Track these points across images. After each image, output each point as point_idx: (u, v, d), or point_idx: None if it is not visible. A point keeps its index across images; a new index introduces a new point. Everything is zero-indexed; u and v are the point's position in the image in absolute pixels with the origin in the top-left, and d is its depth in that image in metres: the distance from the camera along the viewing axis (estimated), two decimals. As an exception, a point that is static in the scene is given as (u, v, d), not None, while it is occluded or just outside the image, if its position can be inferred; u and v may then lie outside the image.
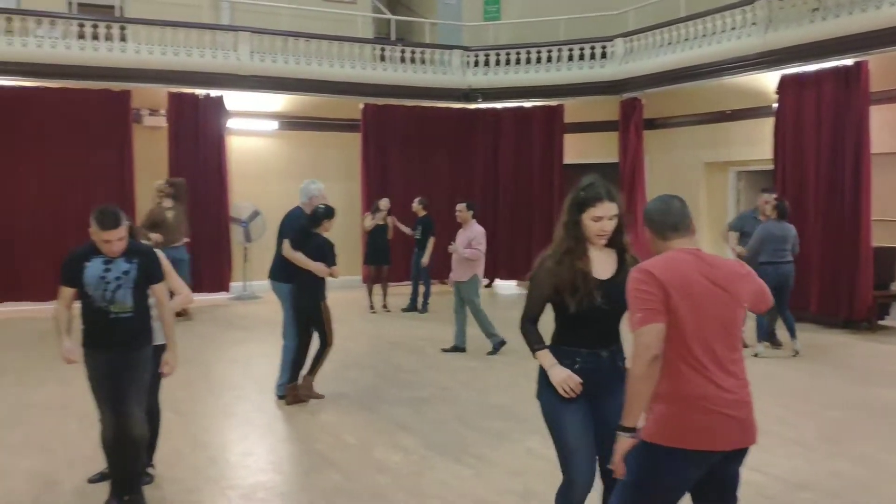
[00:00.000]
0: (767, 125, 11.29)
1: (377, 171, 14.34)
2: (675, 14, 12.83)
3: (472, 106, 14.77)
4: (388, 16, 15.20)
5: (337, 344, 6.91)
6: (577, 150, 14.48)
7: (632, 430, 2.79)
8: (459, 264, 8.65)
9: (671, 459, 2.73)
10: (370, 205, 13.89)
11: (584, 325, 3.21)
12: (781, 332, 8.84)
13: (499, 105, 14.71)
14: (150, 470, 4.81)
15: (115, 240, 4.20)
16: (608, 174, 13.63)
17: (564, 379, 3.16)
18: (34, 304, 11.28)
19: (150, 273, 4.33)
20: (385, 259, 11.89)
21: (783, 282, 8.35)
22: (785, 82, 10.88)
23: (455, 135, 14.77)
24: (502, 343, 8.62)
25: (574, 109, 14.31)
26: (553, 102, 14.35)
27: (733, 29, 11.49)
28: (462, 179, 14.80)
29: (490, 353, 8.61)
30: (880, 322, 10.26)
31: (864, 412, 6.43)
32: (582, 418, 3.23)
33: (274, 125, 14.15)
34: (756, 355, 8.34)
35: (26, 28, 11.66)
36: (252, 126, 13.99)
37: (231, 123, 13.48)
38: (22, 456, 5.35)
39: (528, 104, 14.54)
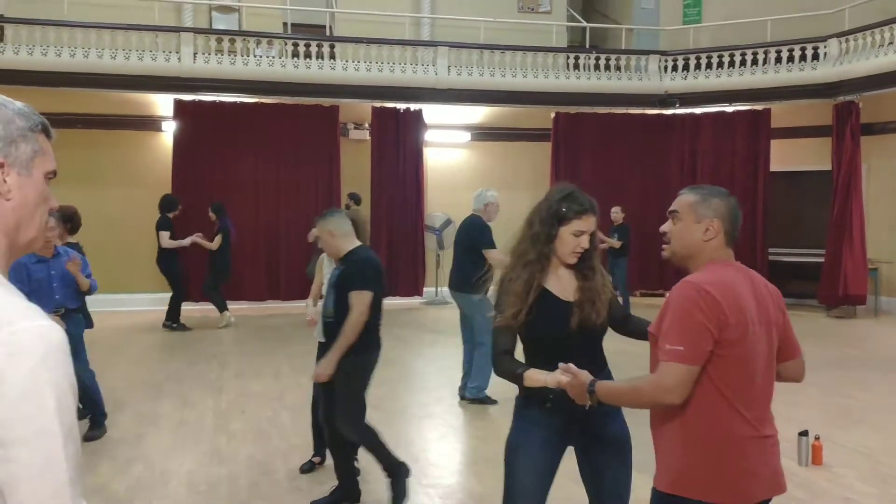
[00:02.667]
0: None
1: (567, 179, 14.15)
2: (897, 11, 11.79)
3: (669, 111, 14.34)
4: (583, 23, 15.11)
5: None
6: (784, 156, 13.66)
7: (594, 397, 2.49)
8: None
9: None
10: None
11: (554, 355, 2.71)
12: None
13: (698, 110, 14.18)
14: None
15: None
16: (820, 182, 12.80)
17: (561, 370, 2.61)
18: (250, 303, 12.43)
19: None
20: None
21: None
22: None
23: (650, 141, 14.40)
24: None
25: (782, 114, 13.51)
26: (758, 106, 13.63)
27: (968, 23, 10.38)
28: (656, 187, 14.39)
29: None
30: None
31: None
32: (542, 465, 2.86)
33: (467, 136, 14.49)
34: None
35: (247, 48, 12.73)
36: (447, 138, 14.42)
37: (428, 135, 13.96)
38: (243, 442, 5.83)
39: (730, 109, 13.91)
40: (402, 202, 13.49)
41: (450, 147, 14.57)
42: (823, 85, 12.79)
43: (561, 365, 2.62)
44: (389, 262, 13.42)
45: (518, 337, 2.89)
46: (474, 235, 6.60)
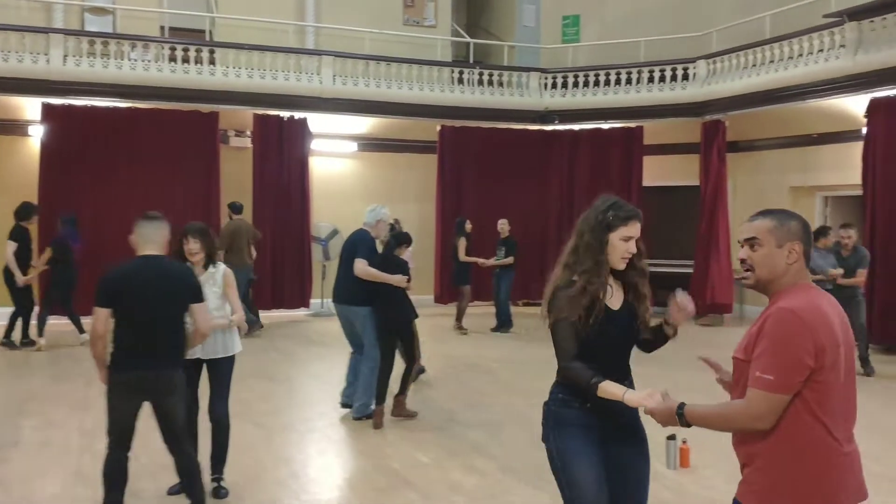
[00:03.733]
0: (856, 149, 10.94)
1: (452, 192, 14.46)
2: (761, 36, 12.59)
3: (549, 127, 14.77)
4: (468, 39, 15.37)
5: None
6: (656, 172, 14.30)
7: (683, 421, 2.51)
8: None
9: None
10: (444, 225, 14.05)
11: (594, 360, 2.89)
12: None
13: (576, 126, 14.66)
14: (223, 483, 4.93)
15: None
16: (689, 198, 13.44)
17: (648, 395, 2.69)
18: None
19: None
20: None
21: None
22: (875, 106, 10.54)
23: (531, 156, 14.79)
24: None
25: (654, 131, 14.15)
26: (632, 124, 14.23)
27: (821, 51, 11.21)
28: (537, 201, 14.82)
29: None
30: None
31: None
32: (599, 468, 2.94)
33: (353, 146, 14.44)
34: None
35: (121, 51, 12.23)
36: (333, 147, 14.32)
37: (313, 145, 13.82)
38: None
39: (605, 126, 14.45)
40: (287, 212, 13.27)
41: (336, 157, 14.47)
42: (692, 104, 13.49)
43: (647, 391, 2.68)
44: (274, 273, 13.19)
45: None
46: (366, 247, 6.66)
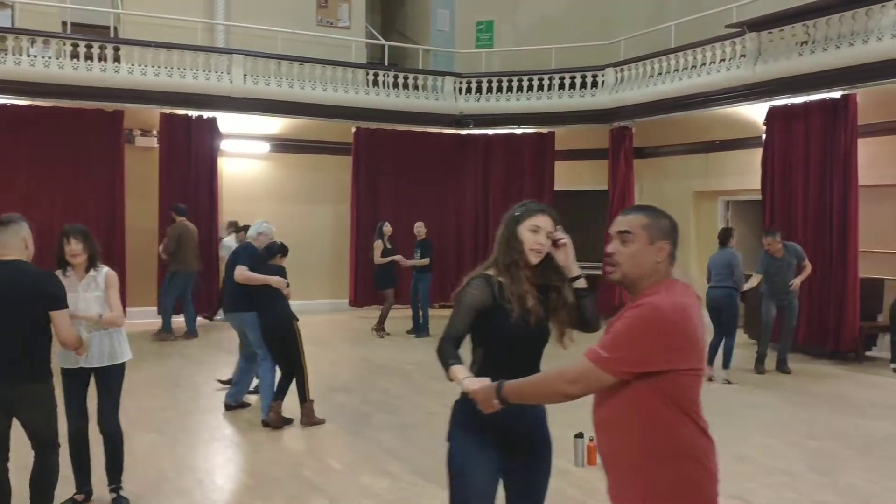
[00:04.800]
0: (757, 156, 11.40)
1: (368, 194, 14.39)
2: (666, 45, 12.99)
3: (464, 132, 14.87)
4: (382, 42, 15.33)
5: (323, 368, 6.90)
6: (567, 177, 14.57)
7: (502, 397, 2.54)
8: None
9: None
10: (359, 228, 13.97)
11: (511, 355, 2.92)
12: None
13: (490, 131, 14.80)
14: (122, 493, 4.76)
15: None
16: (598, 202, 13.75)
17: (479, 380, 2.73)
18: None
19: None
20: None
21: (714, 305, 8.77)
22: (773, 114, 11.00)
23: (446, 160, 14.86)
24: None
25: (565, 137, 14.42)
26: (544, 129, 14.46)
27: (723, 60, 11.64)
28: (453, 204, 14.91)
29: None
30: (867, 353, 10.30)
31: (850, 443, 6.44)
32: (493, 477, 2.95)
33: (266, 147, 14.20)
34: (728, 382, 8.62)
35: (20, 47, 11.67)
36: (244, 148, 14.04)
37: (223, 145, 13.51)
38: None
39: (518, 131, 14.65)
40: (194, 213, 12.88)
41: (248, 157, 14.20)
42: (601, 111, 13.81)
43: (482, 379, 2.71)
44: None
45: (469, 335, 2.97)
46: (248, 256, 7.00)
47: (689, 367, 2.28)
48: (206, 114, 13.05)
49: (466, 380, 2.76)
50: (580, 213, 14.57)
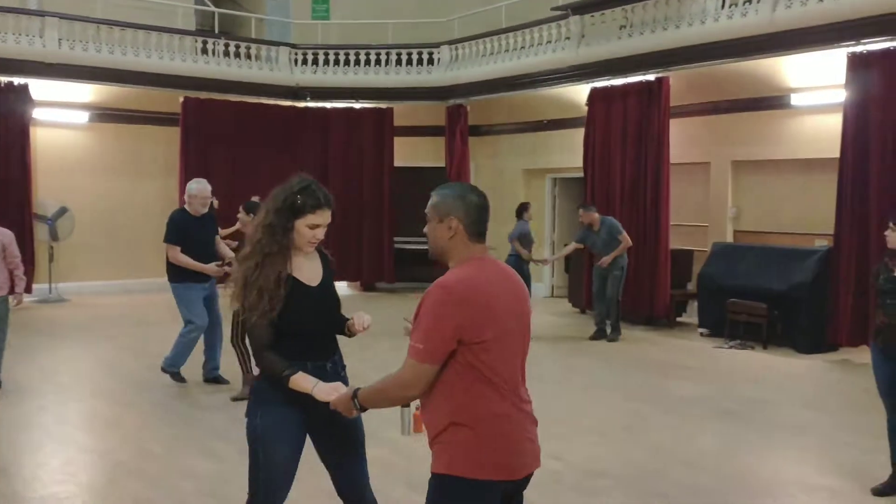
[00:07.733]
0: (580, 135, 11.94)
1: (198, 167, 13.76)
2: (498, 25, 13.31)
3: (301, 104, 14.59)
4: (212, 8, 14.72)
5: (153, 350, 6.64)
6: (406, 153, 14.65)
7: (358, 405, 2.62)
8: None
9: (475, 493, 2.40)
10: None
11: (303, 337, 2.92)
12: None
13: (328, 105, 14.61)
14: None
15: None
16: (436, 178, 13.90)
17: (333, 388, 2.79)
18: None
19: None
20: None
21: None
22: (594, 95, 11.57)
23: (284, 133, 14.48)
24: None
25: (403, 113, 14.48)
26: (382, 105, 14.45)
27: (549, 42, 12.08)
28: (291, 178, 14.58)
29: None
30: (678, 319, 11.15)
31: (659, 404, 6.95)
32: (296, 454, 2.99)
33: (85, 117, 13.33)
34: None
35: None
36: (61, 117, 13.13)
37: (37, 114, 12.56)
38: None
39: (357, 105, 14.55)
40: (4, 187, 11.95)
41: (65, 128, 13.28)
42: (437, 88, 13.99)
43: (333, 384, 2.79)
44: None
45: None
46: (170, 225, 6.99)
47: (484, 339, 2.37)
48: (17, 80, 12.10)
49: (317, 389, 2.79)
50: (419, 190, 14.58)
